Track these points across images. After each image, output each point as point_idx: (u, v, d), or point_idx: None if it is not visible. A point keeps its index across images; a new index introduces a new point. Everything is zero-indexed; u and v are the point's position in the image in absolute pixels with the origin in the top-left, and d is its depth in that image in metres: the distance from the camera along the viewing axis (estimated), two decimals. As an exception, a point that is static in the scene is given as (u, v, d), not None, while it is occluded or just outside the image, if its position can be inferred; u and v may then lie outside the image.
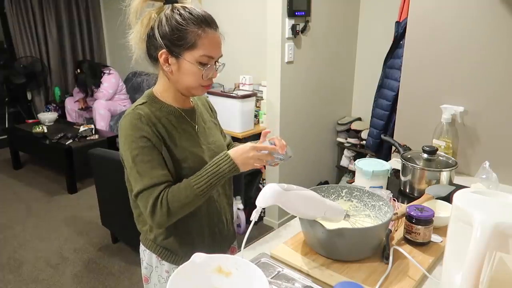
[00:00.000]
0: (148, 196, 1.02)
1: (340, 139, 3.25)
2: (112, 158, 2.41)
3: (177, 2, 1.06)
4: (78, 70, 4.53)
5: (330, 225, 1.01)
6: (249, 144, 1.06)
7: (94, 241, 2.81)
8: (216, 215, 1.20)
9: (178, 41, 1.02)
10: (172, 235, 1.16)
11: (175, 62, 1.05)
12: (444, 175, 1.40)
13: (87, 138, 3.67)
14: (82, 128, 3.74)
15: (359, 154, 3.15)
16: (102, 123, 4.28)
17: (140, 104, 1.09)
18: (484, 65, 1.54)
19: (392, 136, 1.91)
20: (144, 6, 1.06)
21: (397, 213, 1.13)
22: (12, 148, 4.12)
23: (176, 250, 1.18)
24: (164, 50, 1.04)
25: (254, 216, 0.89)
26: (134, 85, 4.85)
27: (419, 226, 1.05)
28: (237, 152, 1.05)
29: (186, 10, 1.03)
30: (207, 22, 1.03)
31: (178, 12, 1.03)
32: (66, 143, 3.52)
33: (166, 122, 1.10)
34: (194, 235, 1.18)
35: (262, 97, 2.97)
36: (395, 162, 1.72)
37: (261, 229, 2.91)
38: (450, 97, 1.65)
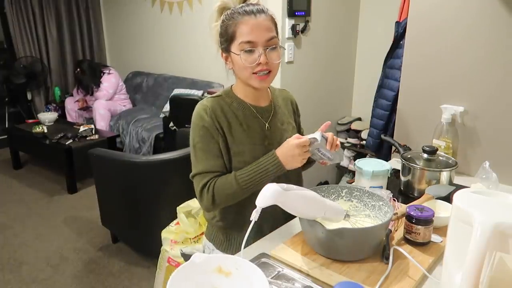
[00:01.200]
0: (199, 180, 1.13)
1: (340, 139, 3.23)
2: (112, 158, 2.41)
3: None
4: (78, 70, 4.53)
5: (330, 225, 1.01)
6: (293, 142, 1.07)
7: (94, 241, 2.81)
8: (269, 214, 1.20)
9: (223, 37, 1.11)
10: (225, 219, 1.23)
11: (229, 58, 1.12)
12: (444, 175, 1.40)
13: (87, 138, 3.67)
14: (82, 128, 3.74)
15: (359, 154, 3.15)
16: (102, 123, 4.28)
17: (213, 97, 1.17)
18: (484, 65, 1.54)
19: (392, 136, 1.91)
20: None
21: (397, 213, 1.13)
22: (12, 148, 4.12)
23: (225, 234, 1.25)
24: (221, 50, 1.13)
25: (254, 216, 0.89)
26: (134, 85, 4.85)
27: (419, 226, 1.05)
28: (283, 150, 1.09)
29: (235, 8, 1.09)
30: (244, 11, 1.07)
31: (225, 13, 1.10)
32: (66, 143, 3.52)
33: (232, 116, 1.15)
34: (244, 226, 1.20)
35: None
36: (395, 162, 1.72)
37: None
38: (450, 97, 1.65)
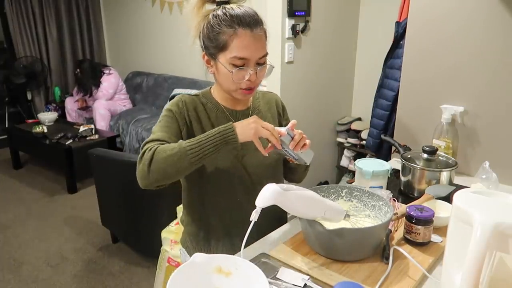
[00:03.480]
0: (146, 145, 1.02)
1: (340, 139, 3.25)
2: (112, 158, 2.41)
3: (228, 3, 1.05)
4: (78, 70, 4.53)
5: (330, 225, 1.01)
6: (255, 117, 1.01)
7: (94, 241, 2.81)
8: (240, 223, 1.15)
9: (211, 42, 1.04)
10: (194, 224, 1.22)
11: (214, 64, 1.07)
12: (444, 175, 1.40)
13: (87, 138, 3.67)
14: (82, 128, 3.74)
15: (359, 154, 3.14)
16: (102, 123, 4.28)
17: (190, 94, 1.16)
18: (484, 65, 1.54)
19: (392, 136, 1.91)
20: (201, 11, 1.07)
21: (397, 213, 1.13)
22: (12, 148, 4.12)
23: (195, 242, 1.23)
24: (204, 52, 1.08)
25: (254, 217, 0.89)
26: (134, 85, 4.85)
27: (419, 226, 1.05)
28: (241, 121, 1.01)
29: (226, 10, 1.02)
30: (241, 21, 1.00)
31: (217, 13, 1.03)
32: (66, 143, 3.52)
33: (204, 116, 1.13)
34: (214, 234, 1.20)
35: (262, 97, 2.96)
36: (395, 162, 1.72)
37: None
38: (450, 97, 1.65)
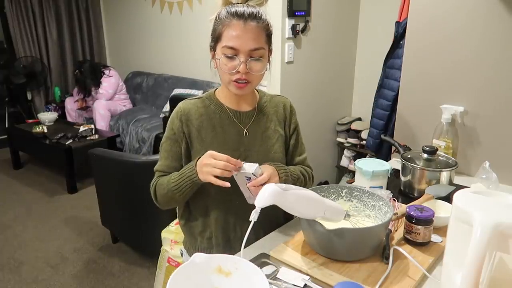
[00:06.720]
0: (154, 177, 1.18)
1: (340, 139, 3.25)
2: (112, 158, 2.40)
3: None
4: (77, 71, 4.52)
5: (330, 225, 1.01)
6: (210, 151, 1.03)
7: (94, 241, 2.81)
8: (237, 222, 1.18)
9: (212, 35, 1.08)
10: (193, 224, 1.23)
11: (215, 57, 1.09)
12: (444, 175, 1.40)
13: (87, 138, 3.67)
14: (82, 128, 3.74)
15: (359, 154, 3.15)
16: (102, 123, 4.28)
17: (193, 98, 1.17)
18: (485, 65, 1.54)
19: (392, 136, 1.91)
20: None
21: (397, 213, 1.13)
22: (12, 148, 4.12)
23: (192, 238, 1.24)
24: (209, 47, 1.11)
25: (254, 217, 0.89)
26: (134, 85, 4.85)
27: (419, 226, 1.05)
28: (201, 158, 1.06)
29: (230, 7, 1.05)
30: (236, 14, 1.03)
31: (221, 11, 1.06)
32: (66, 143, 3.52)
33: (206, 119, 1.14)
34: (212, 234, 1.20)
35: (262, 97, 2.96)
36: (395, 162, 1.72)
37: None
38: (450, 97, 1.65)
